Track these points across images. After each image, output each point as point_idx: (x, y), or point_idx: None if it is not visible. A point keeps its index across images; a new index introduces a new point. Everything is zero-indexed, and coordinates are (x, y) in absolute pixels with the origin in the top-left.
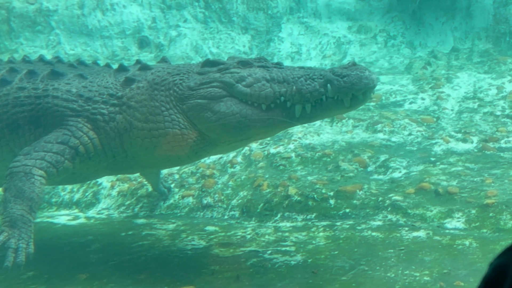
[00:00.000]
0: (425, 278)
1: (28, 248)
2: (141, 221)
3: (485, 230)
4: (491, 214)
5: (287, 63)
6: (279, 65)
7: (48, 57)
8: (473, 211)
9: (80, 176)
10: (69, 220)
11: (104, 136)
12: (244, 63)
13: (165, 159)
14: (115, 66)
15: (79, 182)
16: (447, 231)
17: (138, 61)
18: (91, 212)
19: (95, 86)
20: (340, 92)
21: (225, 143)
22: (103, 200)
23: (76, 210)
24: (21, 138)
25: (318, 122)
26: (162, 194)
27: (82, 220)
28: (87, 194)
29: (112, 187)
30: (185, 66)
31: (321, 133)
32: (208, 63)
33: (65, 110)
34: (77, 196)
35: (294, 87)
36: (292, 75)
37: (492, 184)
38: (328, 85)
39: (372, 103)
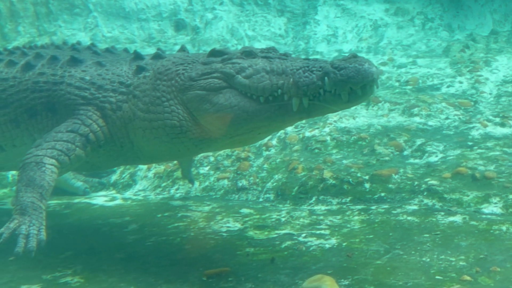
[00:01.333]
0: (461, 263)
1: (39, 234)
2: (176, 202)
3: None
4: None
5: (323, 46)
6: (286, 55)
7: (86, 39)
8: (511, 196)
9: (94, 165)
10: (106, 201)
11: (111, 125)
12: (248, 53)
13: (165, 151)
14: (150, 51)
15: (94, 170)
16: (484, 216)
17: (158, 50)
18: (128, 194)
19: (109, 74)
20: (337, 85)
21: (226, 136)
22: (139, 182)
23: (113, 192)
24: (39, 124)
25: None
26: (190, 181)
27: (119, 201)
28: (124, 175)
29: (149, 168)
30: (193, 56)
31: (356, 116)
32: (213, 53)
33: (77, 99)
34: (114, 177)
35: (291, 80)
36: (291, 67)
37: None
38: (326, 78)
39: (409, 87)
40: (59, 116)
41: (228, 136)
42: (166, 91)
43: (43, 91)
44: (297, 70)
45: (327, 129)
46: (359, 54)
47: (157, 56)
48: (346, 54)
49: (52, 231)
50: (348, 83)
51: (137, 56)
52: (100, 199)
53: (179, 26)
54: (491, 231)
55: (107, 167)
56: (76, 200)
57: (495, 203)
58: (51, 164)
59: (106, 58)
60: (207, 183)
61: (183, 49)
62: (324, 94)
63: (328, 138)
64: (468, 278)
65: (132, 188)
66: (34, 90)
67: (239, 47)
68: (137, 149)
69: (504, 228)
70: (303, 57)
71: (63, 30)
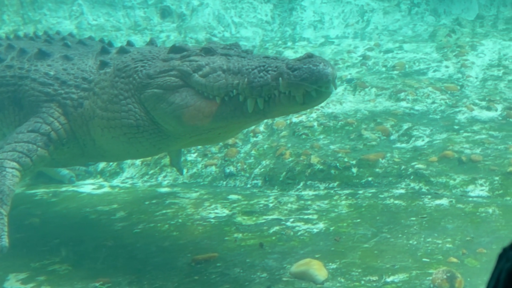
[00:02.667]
0: (448, 245)
1: (1, 241)
2: (164, 190)
3: (508, 198)
4: None
5: (309, 32)
6: (247, 52)
7: (72, 27)
8: (497, 179)
9: (60, 162)
10: (94, 189)
11: (73, 123)
12: (207, 51)
13: (125, 151)
14: (136, 39)
15: (62, 167)
16: (470, 199)
17: (128, 43)
18: (116, 181)
19: (74, 69)
20: (290, 86)
21: (185, 136)
22: (127, 170)
23: (100, 179)
24: (7, 118)
25: (340, 91)
26: (179, 170)
27: (106, 189)
28: (111, 163)
29: None
30: (155, 52)
31: (343, 101)
32: (173, 49)
33: (40, 95)
34: (101, 165)
35: (246, 79)
36: (247, 66)
37: None
38: (280, 78)
39: (396, 72)
40: (25, 112)
41: (186, 136)
42: (124, 89)
43: (10, 85)
44: (253, 70)
45: (314, 115)
46: (345, 40)
47: (122, 50)
48: (334, 40)
49: (39, 219)
50: (302, 85)
51: (103, 50)
52: (88, 187)
53: (165, 13)
54: (478, 213)
55: (74, 164)
56: (63, 189)
57: (481, 186)
58: (12, 168)
59: (76, 51)
60: (194, 170)
61: (152, 42)
62: (279, 95)
63: (315, 123)
64: (454, 260)
65: (120, 176)
66: (1, 84)
67: (226, 34)
68: (99, 147)
69: (490, 210)
70: (288, 43)
71: (48, 18)
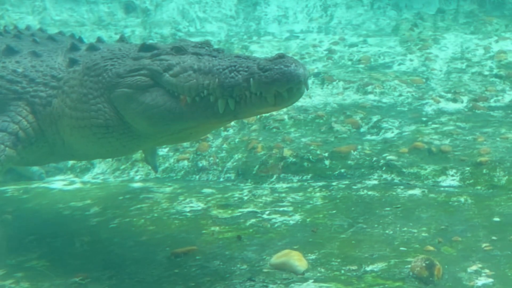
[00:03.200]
0: (423, 234)
1: None
2: (137, 185)
3: (479, 187)
4: (484, 171)
5: (274, 27)
6: (218, 51)
7: (35, 23)
8: (467, 169)
9: (30, 161)
10: (65, 185)
11: (42, 122)
12: (178, 49)
13: (94, 151)
14: (100, 34)
15: (32, 166)
16: (442, 188)
17: (98, 39)
18: (87, 177)
19: (43, 66)
20: (262, 88)
21: (156, 136)
22: (98, 165)
23: (71, 175)
24: None
25: (309, 84)
26: (153, 168)
27: (78, 185)
28: None
29: None
30: (125, 49)
31: (312, 95)
32: (144, 47)
33: (8, 93)
34: (71, 161)
35: (217, 80)
36: (218, 66)
37: (484, 142)
38: (251, 79)
39: (361, 65)
40: None
41: (157, 136)
42: (93, 88)
43: None
44: (223, 70)
45: (284, 109)
46: (309, 34)
47: (92, 47)
48: (299, 35)
49: (12, 216)
50: (273, 86)
51: (73, 46)
52: (59, 183)
53: (129, 8)
54: (450, 202)
55: (44, 163)
56: (34, 185)
57: (452, 175)
58: None
59: (46, 47)
60: (167, 165)
61: (122, 39)
62: (250, 96)
63: (286, 117)
64: (431, 248)
65: (91, 172)
66: None
67: (191, 29)
68: (68, 146)
69: (462, 199)
70: (254, 38)
71: (11, 13)
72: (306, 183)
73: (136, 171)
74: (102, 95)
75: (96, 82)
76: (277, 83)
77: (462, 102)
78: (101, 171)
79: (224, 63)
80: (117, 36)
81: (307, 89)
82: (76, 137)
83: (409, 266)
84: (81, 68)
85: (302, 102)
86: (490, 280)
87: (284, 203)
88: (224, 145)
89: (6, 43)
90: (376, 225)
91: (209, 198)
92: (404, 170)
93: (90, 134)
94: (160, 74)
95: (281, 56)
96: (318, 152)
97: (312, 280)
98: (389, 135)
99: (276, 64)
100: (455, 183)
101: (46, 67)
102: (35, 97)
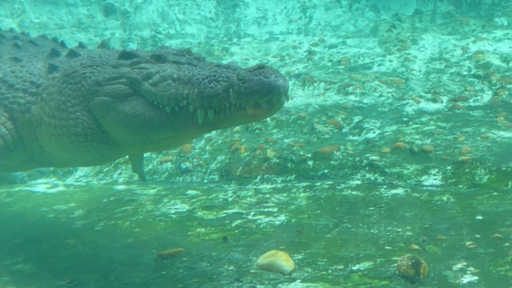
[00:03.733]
0: (408, 233)
1: None
2: (121, 187)
3: (461, 186)
4: (466, 170)
5: (253, 28)
6: (198, 60)
7: (14, 26)
8: (449, 168)
9: (9, 168)
10: (48, 188)
11: (20, 129)
12: (158, 58)
13: (73, 159)
14: (80, 37)
15: (11, 172)
16: (425, 188)
17: (79, 44)
18: (69, 180)
19: (23, 72)
20: (241, 98)
21: (135, 145)
22: (80, 168)
23: (54, 178)
24: None
25: (289, 86)
26: (140, 176)
27: (61, 188)
28: None
29: None
30: (105, 56)
31: (294, 96)
32: (123, 55)
33: None
34: None
35: (196, 90)
36: (198, 75)
37: (465, 142)
38: (231, 90)
39: (342, 66)
40: None
41: (136, 145)
42: (72, 95)
43: None
44: (203, 80)
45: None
46: (289, 36)
47: (72, 53)
48: (278, 36)
49: None
50: (252, 97)
51: (53, 52)
52: (42, 186)
53: (109, 10)
54: (433, 201)
55: (23, 169)
56: (17, 189)
57: (435, 175)
58: None
59: (27, 52)
60: (150, 167)
61: (103, 44)
62: (230, 106)
63: (268, 118)
64: (416, 247)
65: (73, 175)
66: None
67: (171, 31)
68: (47, 154)
69: (445, 198)
70: (234, 40)
71: None
72: (290, 184)
73: (120, 174)
74: (80, 103)
75: (74, 90)
76: (257, 94)
77: (442, 102)
78: (84, 174)
79: (204, 72)
80: (97, 39)
81: (288, 100)
82: (55, 145)
83: (395, 265)
84: (60, 75)
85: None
86: (475, 277)
87: (268, 204)
88: (208, 147)
89: None
90: (361, 225)
91: (193, 200)
92: (386, 170)
93: (69, 142)
94: (140, 83)
95: (261, 67)
96: (301, 153)
97: (299, 280)
98: (371, 135)
99: (256, 75)
100: (438, 182)
101: (25, 73)
102: (13, 104)
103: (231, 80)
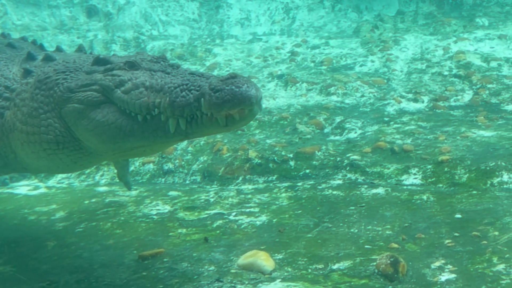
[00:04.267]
0: (387, 232)
1: None
2: (103, 188)
3: (441, 185)
4: (446, 170)
5: (237, 29)
6: (173, 67)
7: None
8: (429, 167)
9: None
10: (29, 190)
11: None
12: (131, 65)
13: (45, 166)
14: (62, 39)
15: None
16: (405, 187)
17: (57, 48)
18: (51, 182)
19: None
20: (211, 108)
21: (108, 153)
22: None
23: (35, 181)
24: None
25: (272, 86)
26: (126, 184)
27: (43, 190)
28: None
29: None
30: (79, 61)
31: (276, 97)
32: (97, 61)
33: None
34: None
35: (168, 99)
36: (170, 84)
37: (445, 141)
38: (202, 99)
39: (324, 67)
40: None
41: (109, 153)
42: (44, 102)
43: None
44: (175, 89)
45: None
46: (272, 37)
47: (47, 58)
48: (261, 37)
49: None
50: (223, 107)
51: (29, 56)
52: (23, 188)
53: (91, 12)
54: (413, 200)
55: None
56: None
57: (415, 174)
58: None
59: (3, 54)
60: (132, 168)
61: (80, 49)
62: (201, 116)
63: None
64: (395, 245)
65: (55, 176)
66: None
67: (154, 32)
68: (21, 160)
69: (425, 197)
70: (217, 41)
71: None
72: (271, 184)
73: (101, 175)
74: (53, 110)
75: (47, 96)
76: (228, 104)
77: (423, 102)
78: (66, 176)
79: (176, 81)
80: (80, 41)
81: (260, 110)
82: (27, 152)
83: (375, 263)
84: (33, 81)
85: (266, 104)
86: (453, 275)
87: (250, 204)
88: (190, 148)
89: None
90: (341, 224)
91: (175, 201)
92: (367, 169)
93: (40, 150)
94: (112, 90)
95: (232, 76)
96: (283, 153)
97: (279, 280)
98: (352, 135)
99: (227, 85)
100: (418, 181)
101: (0, 77)
102: None
103: (202, 89)
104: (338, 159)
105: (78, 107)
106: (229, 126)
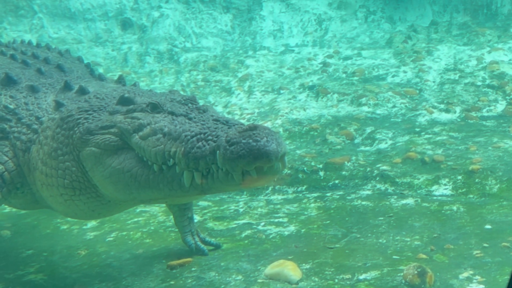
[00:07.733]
0: (416, 242)
1: None
2: None
3: (471, 196)
4: (477, 180)
5: (269, 41)
6: (198, 110)
7: (33, 40)
8: (459, 178)
9: (16, 205)
10: None
11: (23, 167)
12: (154, 106)
13: (63, 212)
14: (97, 51)
15: (22, 209)
16: (435, 197)
17: (98, 76)
18: None
19: (34, 104)
20: (226, 164)
21: (127, 202)
22: None
23: None
24: None
25: (303, 97)
26: (189, 247)
27: None
28: None
29: None
30: (108, 98)
31: (307, 108)
32: (121, 100)
33: None
34: None
35: (183, 148)
36: (188, 132)
37: (476, 152)
38: (218, 152)
39: (356, 78)
40: None
41: (128, 203)
42: (64, 142)
43: None
44: (192, 138)
45: (279, 121)
46: (304, 48)
47: (81, 90)
48: (294, 49)
49: (10, 231)
50: (238, 163)
51: (66, 86)
52: None
53: (126, 25)
54: (443, 211)
55: (31, 209)
56: None
57: (445, 184)
58: None
59: (49, 79)
60: None
61: (120, 79)
62: (217, 171)
63: (281, 129)
64: (424, 256)
65: None
66: None
67: (187, 44)
68: (46, 200)
69: (455, 208)
70: (250, 52)
71: (9, 32)
72: (301, 195)
73: None
74: (71, 152)
75: (67, 137)
76: (243, 160)
77: (455, 112)
78: None
79: (195, 129)
80: (114, 53)
81: (285, 167)
82: (46, 195)
83: (402, 274)
84: (58, 117)
85: (296, 114)
86: (481, 286)
87: (279, 214)
88: None
89: (6, 70)
90: (369, 235)
91: (205, 211)
92: (397, 180)
93: (57, 194)
94: (130, 135)
95: (251, 128)
96: (313, 163)
97: None
98: (382, 145)
99: (244, 138)
100: (448, 192)
101: (35, 106)
102: (17, 139)
103: (219, 140)
104: (368, 169)
105: (95, 151)
106: (246, 185)
